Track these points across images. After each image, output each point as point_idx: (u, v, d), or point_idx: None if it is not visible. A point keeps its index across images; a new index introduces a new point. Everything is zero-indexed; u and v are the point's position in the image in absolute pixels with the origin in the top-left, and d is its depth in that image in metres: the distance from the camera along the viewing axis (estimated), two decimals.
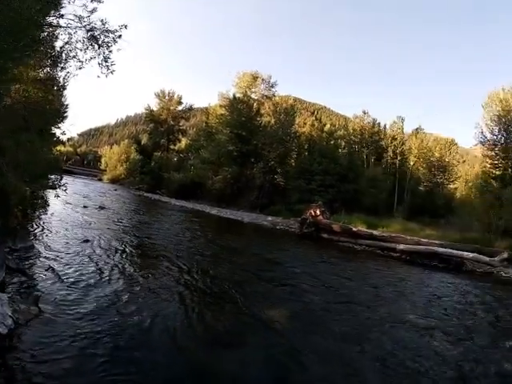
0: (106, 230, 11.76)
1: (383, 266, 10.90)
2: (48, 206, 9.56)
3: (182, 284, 6.83)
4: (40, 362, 3.48)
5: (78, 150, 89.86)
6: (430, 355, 4.60)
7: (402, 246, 12.46)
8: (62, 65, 8.33)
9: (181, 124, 46.12)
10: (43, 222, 10.67)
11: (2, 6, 4.62)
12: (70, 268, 6.73)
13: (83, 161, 78.51)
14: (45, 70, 8.87)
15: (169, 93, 45.14)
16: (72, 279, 6.11)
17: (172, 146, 45.46)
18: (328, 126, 60.68)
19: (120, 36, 7.85)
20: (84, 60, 7.90)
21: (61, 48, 8.01)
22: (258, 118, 31.22)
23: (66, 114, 10.72)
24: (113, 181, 49.42)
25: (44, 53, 7.85)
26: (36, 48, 6.66)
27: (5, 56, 4.66)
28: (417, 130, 33.07)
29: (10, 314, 4.14)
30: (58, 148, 10.60)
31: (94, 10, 7.60)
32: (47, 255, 7.34)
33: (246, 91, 34.60)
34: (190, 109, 46.65)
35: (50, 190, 9.54)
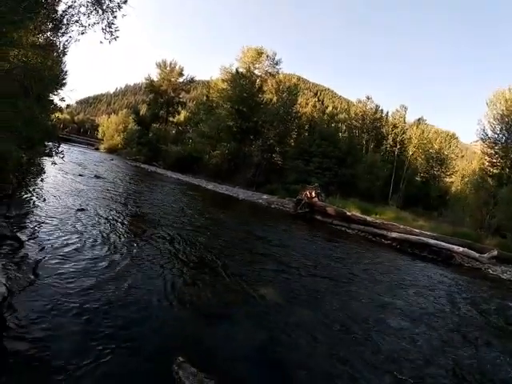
0: (102, 199, 11.64)
1: (374, 251, 11.03)
2: (44, 173, 9.41)
3: (174, 255, 6.81)
4: (32, 330, 3.45)
5: (76, 117, 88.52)
6: (405, 335, 4.86)
7: (394, 234, 12.55)
8: (63, 30, 8.05)
9: (181, 96, 45.29)
10: (39, 190, 10.45)
11: None
12: (64, 236, 6.63)
13: (80, 129, 77.39)
14: (45, 35, 8.54)
15: (170, 63, 44.17)
16: (67, 247, 6.02)
17: (171, 118, 44.84)
18: (330, 108, 60.06)
19: (125, 1, 7.60)
20: (87, 25, 7.62)
21: (63, 12, 7.71)
22: (260, 95, 30.74)
23: (64, 81, 10.43)
24: (110, 150, 48.87)
25: (46, 16, 7.54)
26: (38, 11, 6.43)
27: (4, 19, 4.45)
28: (419, 121, 32.72)
29: (3, 281, 4.09)
30: (56, 115, 10.37)
31: None
32: (42, 223, 7.20)
33: (249, 67, 33.90)
34: (191, 81, 45.74)
35: (47, 158, 9.39)
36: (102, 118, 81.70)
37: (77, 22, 7.69)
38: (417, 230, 12.66)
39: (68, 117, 74.25)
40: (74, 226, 7.47)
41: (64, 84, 10.29)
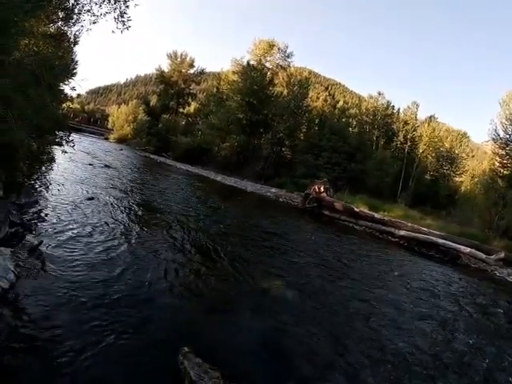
0: (111, 188, 11.80)
1: (381, 248, 11.04)
2: (54, 162, 9.53)
3: (180, 245, 6.91)
4: (39, 316, 3.55)
5: (86, 107, 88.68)
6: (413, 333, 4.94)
7: (401, 232, 12.54)
8: (74, 19, 8.02)
9: (191, 87, 45.17)
10: (49, 178, 10.66)
11: None
12: (73, 224, 6.77)
13: (90, 119, 77.61)
14: (56, 25, 8.46)
15: (181, 54, 43.96)
16: (75, 235, 6.15)
17: (181, 110, 44.81)
18: (341, 103, 59.56)
19: None
20: (99, 14, 7.59)
21: (75, 1, 7.68)
22: (271, 88, 30.52)
23: (75, 71, 10.46)
24: (119, 140, 48.98)
25: (57, 5, 7.51)
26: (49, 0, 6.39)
27: (16, 7, 4.45)
28: (430, 118, 32.24)
29: (12, 268, 4.20)
30: (66, 104, 10.46)
31: None
32: (51, 211, 7.35)
33: (260, 59, 33.70)
34: (202, 72, 45.60)
35: (57, 147, 9.49)
36: (112, 108, 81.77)
37: (88, 11, 7.66)
38: (425, 229, 12.62)
39: (78, 106, 74.53)
40: (83, 214, 7.64)
41: (75, 74, 10.32)
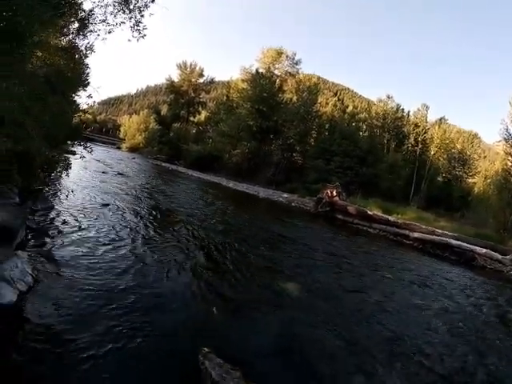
0: (125, 195, 11.94)
1: (395, 250, 11.00)
2: (70, 169, 9.75)
3: (196, 248, 6.96)
4: (56, 319, 3.60)
5: (98, 118, 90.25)
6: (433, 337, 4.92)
7: (416, 234, 12.45)
8: (88, 30, 8.17)
9: (201, 96, 45.94)
10: (64, 185, 10.81)
11: None
12: (89, 229, 6.83)
13: (102, 129, 78.99)
14: (67, 38, 8.64)
15: (191, 64, 44.88)
16: (91, 240, 6.19)
17: (191, 118, 45.52)
18: (350, 107, 59.41)
19: (153, 0, 7.69)
20: (114, 24, 7.78)
21: (90, 11, 7.80)
22: (280, 95, 30.85)
23: (87, 82, 10.73)
24: (131, 149, 49.94)
25: (72, 15, 7.64)
26: (64, 10, 6.54)
27: (34, 17, 4.51)
28: (440, 120, 32.09)
29: (29, 271, 4.29)
30: (79, 115, 10.76)
31: None
32: (67, 217, 7.40)
33: (269, 67, 34.18)
34: (212, 81, 46.44)
35: (71, 156, 9.75)
36: (123, 118, 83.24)
37: (103, 21, 7.79)
38: (439, 231, 12.50)
39: (90, 117, 75.75)
40: (99, 220, 7.66)
41: (87, 85, 10.57)
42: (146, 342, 3.51)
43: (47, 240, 5.71)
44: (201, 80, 44.86)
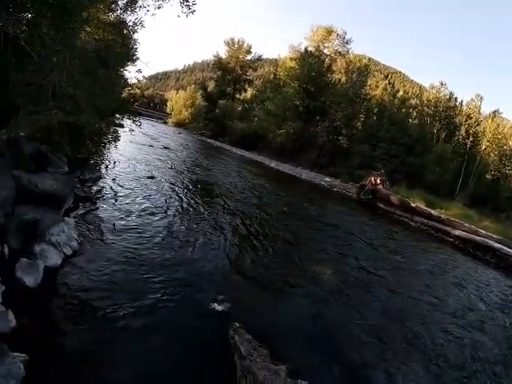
0: (170, 168, 12.44)
1: (435, 247, 10.82)
2: (117, 141, 10.04)
3: (234, 226, 7.16)
4: (96, 284, 3.84)
5: (146, 92, 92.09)
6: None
7: (457, 232, 12.07)
8: (137, 5, 8.35)
9: (248, 74, 45.97)
10: (112, 157, 11.29)
11: None
12: (133, 199, 7.22)
13: (149, 103, 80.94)
14: (114, 14, 8.90)
15: (238, 41, 44.79)
16: (135, 210, 6.55)
17: (237, 95, 45.82)
18: (401, 92, 56.79)
19: None
20: None
21: None
22: (329, 75, 30.06)
23: (135, 57, 10.98)
24: (177, 124, 51.19)
25: None
26: None
27: None
28: (494, 113, 29.85)
29: (75, 237, 4.58)
30: (129, 89, 11.11)
31: None
32: (113, 187, 7.82)
33: (318, 45, 33.27)
34: (259, 59, 46.13)
35: (119, 128, 10.12)
36: (170, 93, 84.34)
37: None
38: (482, 231, 11.97)
39: (138, 92, 77.41)
40: (143, 191, 8.09)
41: (135, 60, 10.80)
42: (179, 310, 3.75)
43: (93, 208, 6.10)
44: (248, 57, 44.80)
